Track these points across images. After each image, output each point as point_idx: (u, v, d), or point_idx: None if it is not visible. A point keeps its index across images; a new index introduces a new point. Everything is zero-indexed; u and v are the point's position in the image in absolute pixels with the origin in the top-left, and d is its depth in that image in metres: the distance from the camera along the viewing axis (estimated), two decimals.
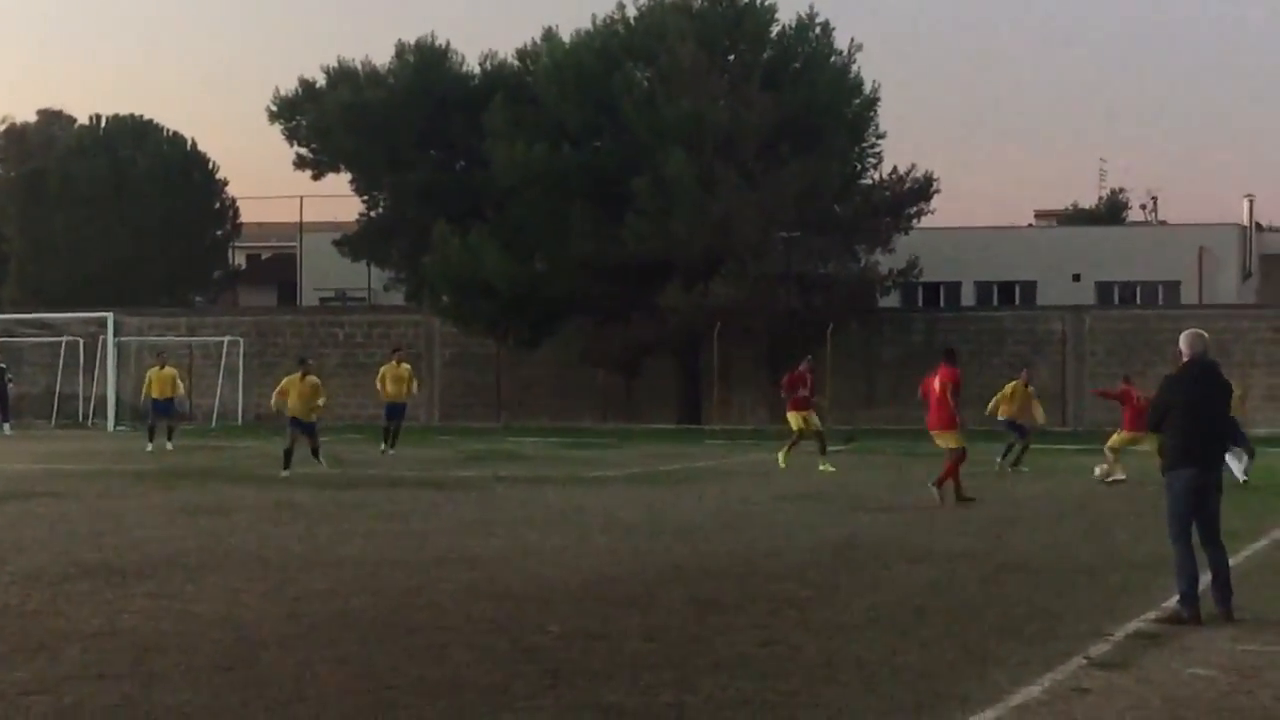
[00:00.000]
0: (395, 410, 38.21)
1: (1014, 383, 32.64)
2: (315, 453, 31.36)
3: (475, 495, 26.00)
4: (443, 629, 12.86)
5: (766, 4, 53.87)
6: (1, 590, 14.78)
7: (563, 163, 51.64)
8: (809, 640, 12.48)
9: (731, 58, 53.84)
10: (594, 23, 55.37)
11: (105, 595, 14.54)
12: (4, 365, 51.79)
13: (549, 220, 51.82)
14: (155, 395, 40.49)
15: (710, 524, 21.11)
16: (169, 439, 39.81)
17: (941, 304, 63.00)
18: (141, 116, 71.08)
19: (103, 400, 53.44)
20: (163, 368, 40.86)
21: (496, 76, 57.61)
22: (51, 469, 32.08)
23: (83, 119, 74.39)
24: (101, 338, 54.25)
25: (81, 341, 56.58)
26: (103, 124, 71.22)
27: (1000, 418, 31.87)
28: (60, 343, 56.70)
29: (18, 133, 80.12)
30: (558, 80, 53.55)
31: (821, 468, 31.28)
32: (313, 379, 31.68)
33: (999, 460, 31.56)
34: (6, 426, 48.60)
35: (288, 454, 30.45)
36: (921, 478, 25.90)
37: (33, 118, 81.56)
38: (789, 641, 12.42)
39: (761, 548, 18.35)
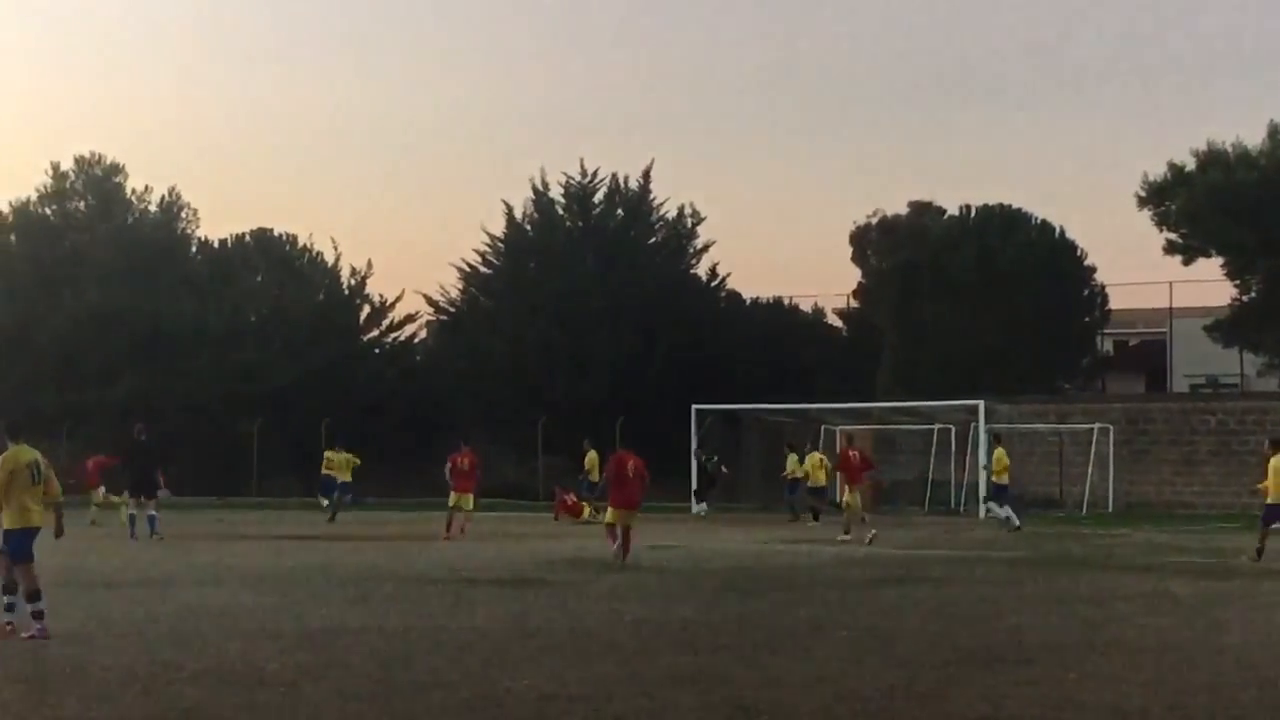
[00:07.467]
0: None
1: None
2: None
3: None
4: None
5: None
6: (889, 673, 15.23)
7: None
8: None
9: None
10: None
11: (986, 680, 14.77)
12: (712, 452, 54.20)
13: None
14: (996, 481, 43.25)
15: None
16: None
17: None
18: (1010, 205, 71.79)
19: (973, 487, 54.23)
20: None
21: None
22: (924, 554, 32.83)
23: (952, 210, 75.80)
24: (972, 425, 55.03)
25: (953, 429, 57.59)
26: (971, 214, 72.32)
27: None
28: (932, 430, 57.98)
29: (890, 224, 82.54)
30: None
31: None
32: None
33: None
34: (703, 507, 51.16)
35: None
36: None
37: (904, 210, 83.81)
38: None
39: None
